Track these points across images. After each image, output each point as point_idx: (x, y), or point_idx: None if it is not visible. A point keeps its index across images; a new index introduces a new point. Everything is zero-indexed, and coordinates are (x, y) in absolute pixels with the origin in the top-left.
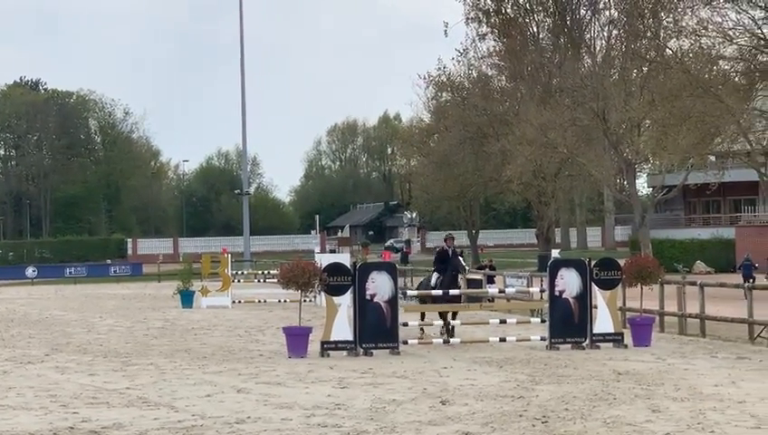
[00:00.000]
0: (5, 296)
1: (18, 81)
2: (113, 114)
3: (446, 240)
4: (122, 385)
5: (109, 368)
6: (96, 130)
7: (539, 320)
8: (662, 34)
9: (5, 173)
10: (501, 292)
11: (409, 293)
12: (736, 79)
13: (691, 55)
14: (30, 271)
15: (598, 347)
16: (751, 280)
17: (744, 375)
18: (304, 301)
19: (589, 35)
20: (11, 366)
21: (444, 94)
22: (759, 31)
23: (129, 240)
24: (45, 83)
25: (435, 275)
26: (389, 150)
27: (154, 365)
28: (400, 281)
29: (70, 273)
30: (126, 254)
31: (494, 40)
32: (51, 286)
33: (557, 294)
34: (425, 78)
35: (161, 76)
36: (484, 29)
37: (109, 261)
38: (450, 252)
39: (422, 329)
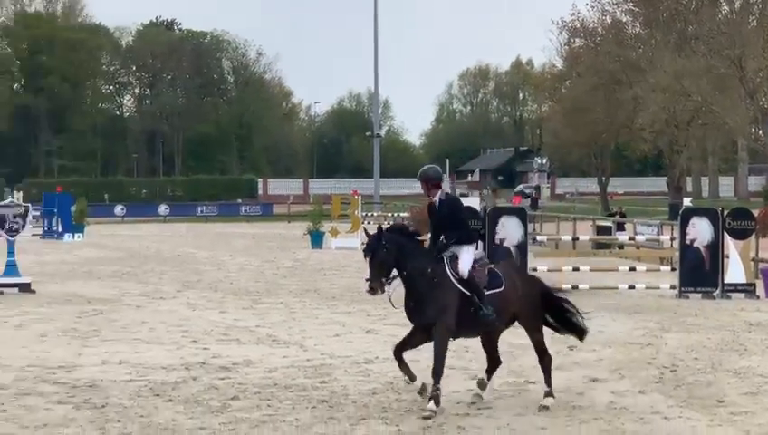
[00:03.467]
0: (139, 233)
1: (154, 20)
2: (246, 55)
3: (427, 185)
4: (252, 323)
5: (239, 306)
6: (229, 71)
7: (669, 268)
8: None
9: (140, 111)
10: (631, 239)
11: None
12: None
13: None
14: (162, 208)
15: (729, 297)
16: None
17: None
18: None
19: None
20: (144, 301)
21: (577, 40)
22: None
23: (260, 180)
24: (180, 24)
25: None
26: (521, 96)
27: (284, 304)
28: (530, 227)
29: (201, 211)
30: (256, 194)
31: None
32: (182, 224)
33: (688, 242)
34: (558, 24)
35: (294, 18)
36: None
37: (239, 200)
38: (437, 203)
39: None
